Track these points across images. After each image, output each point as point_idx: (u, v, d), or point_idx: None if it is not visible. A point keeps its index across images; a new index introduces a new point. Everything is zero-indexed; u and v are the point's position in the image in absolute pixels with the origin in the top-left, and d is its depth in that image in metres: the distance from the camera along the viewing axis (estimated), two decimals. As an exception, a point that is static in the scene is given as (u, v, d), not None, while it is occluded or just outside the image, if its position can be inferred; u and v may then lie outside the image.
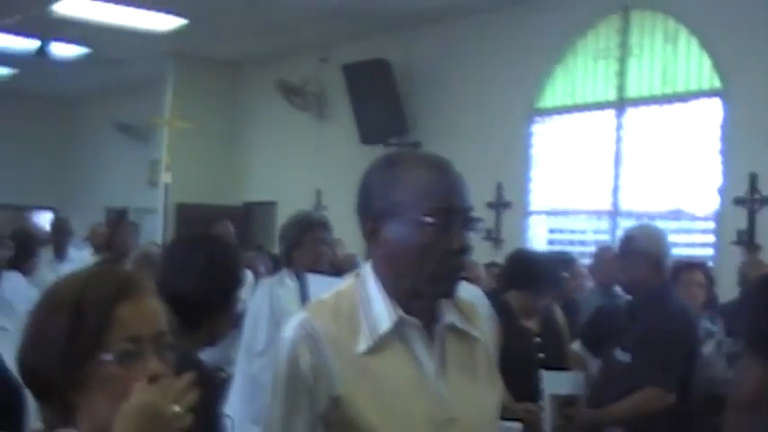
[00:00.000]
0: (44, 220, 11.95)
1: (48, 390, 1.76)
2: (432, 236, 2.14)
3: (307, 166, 12.80)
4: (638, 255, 4.46)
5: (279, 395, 2.16)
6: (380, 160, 2.29)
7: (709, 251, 8.54)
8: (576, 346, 5.72)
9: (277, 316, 4.68)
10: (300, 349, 2.12)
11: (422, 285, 2.17)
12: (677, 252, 8.08)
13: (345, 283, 2.29)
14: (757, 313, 3.53)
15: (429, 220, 2.14)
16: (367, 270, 2.25)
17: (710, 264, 7.70)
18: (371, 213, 2.20)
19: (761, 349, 3.48)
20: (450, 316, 2.24)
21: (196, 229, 6.07)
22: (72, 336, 1.72)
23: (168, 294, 2.76)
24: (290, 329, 2.17)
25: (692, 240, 8.86)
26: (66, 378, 1.73)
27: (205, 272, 2.78)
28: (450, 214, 2.17)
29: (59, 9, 11.26)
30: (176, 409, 1.73)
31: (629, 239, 4.65)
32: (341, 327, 2.16)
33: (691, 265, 6.27)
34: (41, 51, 12.44)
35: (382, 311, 2.17)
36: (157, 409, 1.70)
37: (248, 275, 6.50)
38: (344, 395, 2.10)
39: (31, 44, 12.49)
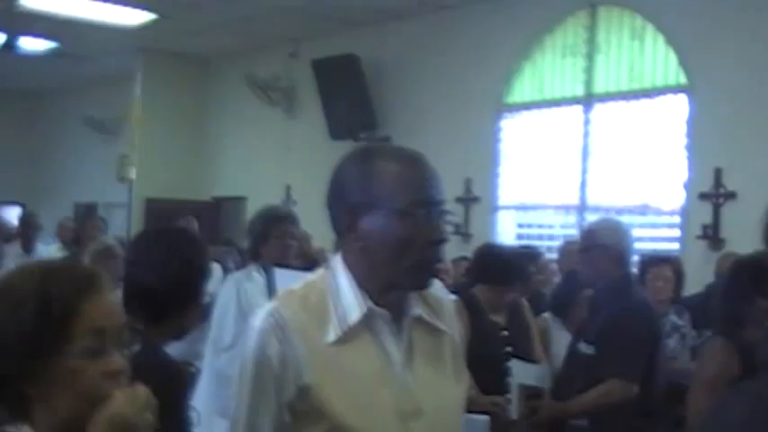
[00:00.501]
0: (12, 214, 11.88)
1: (2, 382, 1.73)
2: (412, 227, 2.17)
3: (276, 161, 12.80)
4: (600, 248, 4.49)
5: (246, 383, 2.17)
6: (354, 154, 2.30)
7: (675, 245, 8.62)
8: (546, 316, 5.80)
9: (245, 310, 4.69)
10: (268, 337, 2.14)
11: (400, 276, 2.19)
12: (644, 246, 8.22)
13: (315, 274, 2.30)
14: (727, 297, 3.61)
15: (409, 211, 2.17)
16: (337, 262, 2.25)
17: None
18: (348, 206, 2.21)
19: (727, 331, 3.55)
20: (417, 309, 2.26)
21: (162, 224, 6.05)
22: (36, 329, 1.70)
23: (134, 288, 2.79)
24: (258, 318, 2.18)
25: (658, 234, 8.94)
26: (26, 371, 1.71)
27: (169, 265, 2.77)
28: (429, 206, 2.20)
29: (26, 2, 11.20)
30: (149, 417, 1.75)
31: (590, 233, 4.69)
32: (310, 316, 2.17)
33: (660, 260, 6.32)
34: (8, 45, 12.36)
35: (352, 302, 2.19)
36: (131, 419, 1.72)
37: (216, 269, 6.51)
38: (312, 384, 2.11)
39: (-2, 38, 12.42)
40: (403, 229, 2.17)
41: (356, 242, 2.21)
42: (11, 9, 11.27)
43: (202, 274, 2.89)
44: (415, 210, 2.17)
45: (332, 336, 2.16)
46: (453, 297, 4.99)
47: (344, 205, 2.22)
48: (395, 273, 2.19)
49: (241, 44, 13.17)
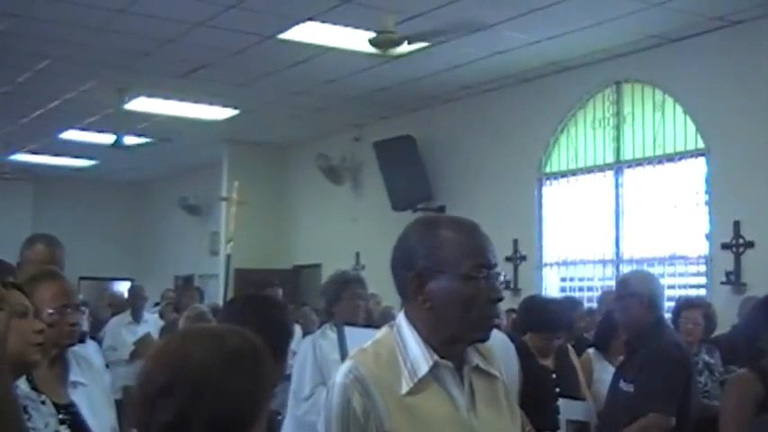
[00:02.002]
0: (123, 288, 12.04)
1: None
2: (474, 289, 2.18)
3: (346, 231, 12.84)
4: (633, 296, 4.44)
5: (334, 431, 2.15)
6: (418, 224, 2.30)
7: (702, 291, 8.48)
8: (590, 351, 5.72)
9: (320, 364, 4.69)
10: (351, 392, 2.12)
11: (465, 331, 2.20)
12: (674, 293, 8.09)
13: (381, 332, 2.29)
14: (748, 331, 3.53)
15: (472, 274, 2.18)
16: (401, 320, 2.25)
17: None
18: (416, 271, 2.20)
19: (749, 362, 3.47)
20: (474, 358, 2.26)
21: (250, 291, 6.09)
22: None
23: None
24: (340, 375, 2.17)
25: (686, 282, 8.79)
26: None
27: (257, 327, 2.77)
28: (487, 269, 2.21)
29: (131, 107, 11.46)
30: None
31: (624, 283, 4.64)
32: (383, 371, 2.16)
33: (691, 305, 6.20)
34: (117, 143, 12.63)
35: (419, 356, 2.18)
36: None
37: (297, 330, 6.53)
38: (392, 431, 2.11)
39: (108, 138, 12.69)
40: (467, 290, 2.18)
41: (424, 303, 2.20)
42: (118, 112, 11.53)
43: (286, 336, 2.88)
44: (477, 273, 2.19)
45: (405, 387, 2.15)
46: (511, 345, 4.97)
47: (412, 270, 2.21)
48: (460, 328, 2.20)
49: (312, 132, 13.31)
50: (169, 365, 1.71)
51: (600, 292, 8.63)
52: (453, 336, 2.21)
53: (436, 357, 2.19)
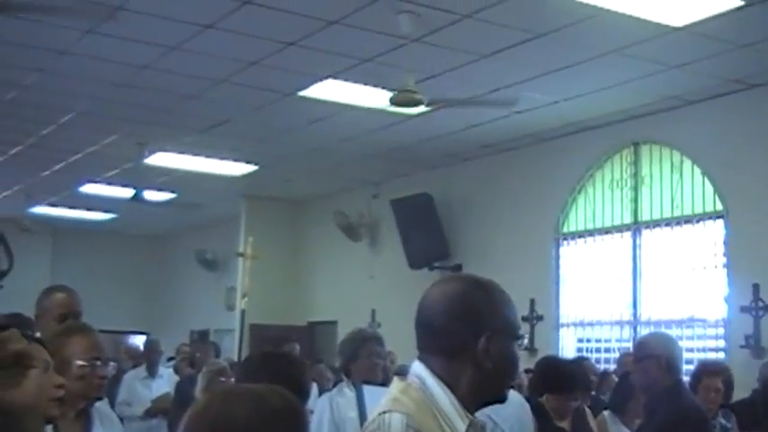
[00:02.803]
0: (139, 341, 12.05)
1: None
2: (517, 351, 2.24)
3: (362, 288, 12.82)
4: (652, 358, 4.40)
5: None
6: (472, 282, 2.28)
7: (721, 354, 8.40)
8: (605, 413, 5.66)
9: (338, 422, 4.67)
10: None
11: (504, 392, 2.24)
12: (692, 356, 8.02)
13: (401, 386, 2.22)
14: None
15: (518, 337, 2.24)
16: (427, 376, 2.20)
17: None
18: (486, 329, 2.20)
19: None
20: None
21: (267, 347, 6.07)
22: None
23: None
24: (395, 428, 2.09)
25: (704, 345, 8.72)
26: None
27: (271, 383, 2.76)
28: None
29: (150, 161, 11.57)
30: None
31: (642, 345, 4.60)
32: (431, 426, 2.13)
33: (712, 372, 6.10)
34: (136, 197, 12.70)
35: (455, 415, 2.16)
36: None
37: (313, 387, 6.50)
38: None
39: (127, 192, 12.77)
40: (516, 352, 2.23)
41: (484, 362, 2.19)
42: (137, 167, 11.64)
43: (304, 394, 2.86)
44: (519, 335, 2.25)
45: None
46: (524, 400, 4.94)
47: (479, 328, 2.20)
48: (504, 390, 2.24)
49: (329, 188, 13.38)
50: (213, 426, 1.71)
51: (617, 354, 8.57)
52: (497, 397, 2.24)
53: (470, 416, 2.19)
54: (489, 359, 2.21)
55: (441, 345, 2.21)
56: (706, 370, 5.98)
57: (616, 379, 7.10)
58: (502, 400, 2.27)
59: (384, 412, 2.12)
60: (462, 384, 2.21)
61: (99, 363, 3.16)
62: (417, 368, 2.24)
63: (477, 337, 2.21)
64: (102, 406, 3.40)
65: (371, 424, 2.13)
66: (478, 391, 2.21)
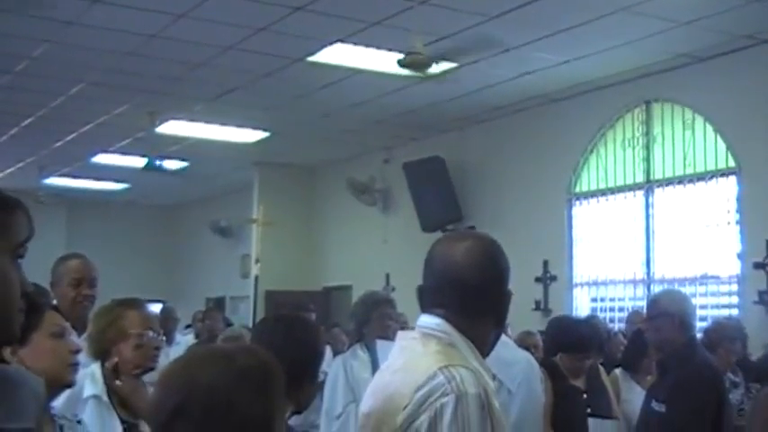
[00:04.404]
0: (155, 310, 12.11)
1: None
2: None
3: (376, 252, 12.85)
4: (665, 316, 4.41)
5: None
6: (496, 244, 2.34)
7: (734, 311, 8.40)
8: (617, 372, 5.68)
9: (352, 383, 4.71)
10: (485, 401, 2.09)
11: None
12: (705, 312, 8.03)
13: (440, 344, 2.20)
14: None
15: None
16: (453, 333, 2.21)
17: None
18: (500, 289, 2.27)
19: None
20: None
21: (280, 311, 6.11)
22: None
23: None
24: (470, 386, 2.08)
25: (718, 302, 8.72)
26: None
27: (285, 347, 2.75)
28: None
29: (161, 130, 11.58)
30: None
31: (655, 303, 4.61)
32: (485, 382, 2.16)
33: (733, 338, 6.02)
34: (148, 167, 12.74)
35: (482, 371, 2.19)
36: None
37: (328, 351, 6.54)
38: None
39: (140, 161, 12.81)
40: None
41: (497, 322, 2.28)
42: (149, 136, 11.66)
43: (316, 357, 2.88)
44: None
45: (497, 403, 2.17)
46: (532, 359, 4.96)
47: (501, 287, 2.27)
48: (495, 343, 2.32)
49: (341, 153, 13.37)
50: (178, 389, 1.71)
51: (628, 313, 8.57)
52: (491, 351, 2.31)
53: (492, 373, 2.26)
54: (501, 318, 2.24)
55: (471, 303, 2.22)
56: (727, 335, 5.95)
57: (623, 339, 7.11)
58: (489, 353, 2.32)
59: (446, 366, 2.10)
60: (484, 341, 2.24)
61: (153, 334, 3.33)
62: (441, 324, 2.22)
63: (502, 295, 2.24)
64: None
65: (432, 379, 2.08)
66: (487, 347, 2.24)
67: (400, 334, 2.35)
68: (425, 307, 2.29)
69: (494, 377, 2.30)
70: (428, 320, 2.26)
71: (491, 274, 2.26)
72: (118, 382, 3.25)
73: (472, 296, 2.22)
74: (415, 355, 2.19)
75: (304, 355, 2.79)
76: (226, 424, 1.69)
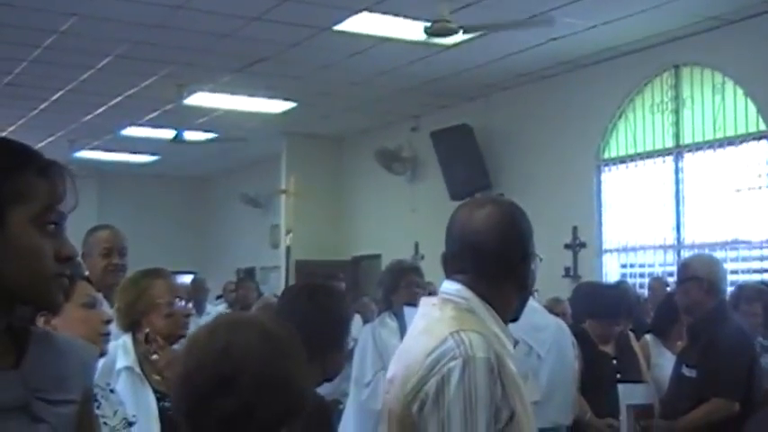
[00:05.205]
0: (186, 281, 12.23)
1: None
2: None
3: (405, 221, 12.85)
4: (694, 280, 4.39)
5: (480, 410, 2.04)
6: (516, 207, 2.35)
7: (766, 275, 8.32)
8: (647, 337, 5.66)
9: (381, 351, 4.73)
10: (494, 366, 2.08)
11: (523, 309, 2.33)
12: (737, 277, 7.97)
13: (457, 309, 2.22)
14: None
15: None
16: (472, 298, 2.22)
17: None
18: (521, 253, 2.27)
19: None
20: None
21: (305, 280, 6.16)
22: None
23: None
24: (480, 350, 2.08)
25: (749, 266, 8.65)
26: None
27: (307, 315, 2.74)
28: None
29: (189, 101, 11.61)
30: None
31: (685, 267, 4.60)
32: (499, 348, 2.16)
33: (750, 298, 6.03)
34: (177, 138, 12.79)
35: (503, 336, 2.21)
36: None
37: (357, 319, 6.56)
38: (517, 412, 2.11)
39: (169, 133, 12.86)
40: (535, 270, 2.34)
41: (521, 286, 2.28)
42: (177, 108, 11.69)
43: (342, 325, 2.87)
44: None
45: (513, 367, 2.17)
46: (564, 324, 4.96)
47: (525, 252, 2.26)
48: (524, 306, 2.33)
49: (369, 123, 13.36)
50: (227, 358, 1.70)
51: (650, 279, 8.53)
52: (519, 314, 2.33)
53: (513, 337, 2.26)
54: (524, 282, 2.24)
55: (489, 268, 2.23)
56: (744, 295, 5.94)
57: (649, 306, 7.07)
58: (518, 318, 2.33)
59: (457, 331, 2.11)
60: (505, 305, 2.24)
61: (182, 302, 3.38)
62: (461, 290, 2.25)
63: (524, 260, 2.24)
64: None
65: (443, 344, 2.09)
66: (511, 311, 2.25)
67: (423, 300, 2.36)
68: (448, 273, 2.30)
69: (516, 342, 2.29)
70: (449, 286, 2.27)
71: (510, 238, 2.26)
72: (155, 357, 3.27)
73: (491, 261, 2.23)
74: (432, 321, 2.21)
75: (326, 323, 2.76)
76: (275, 393, 1.70)
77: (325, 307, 2.80)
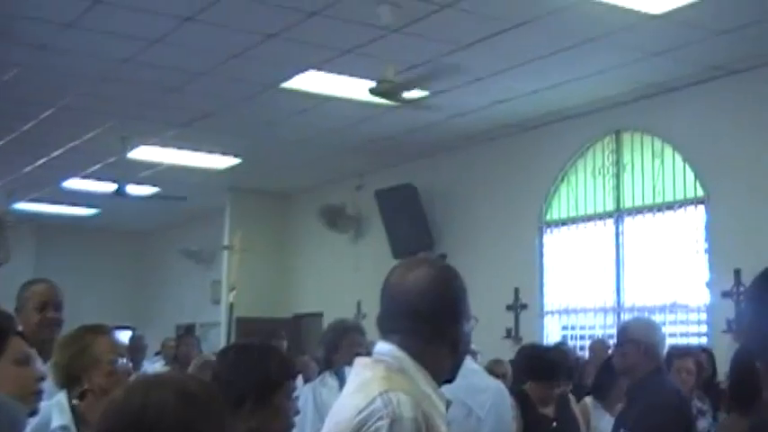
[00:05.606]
0: (124, 337, 12.03)
1: None
2: None
3: (347, 280, 12.82)
4: (633, 343, 4.43)
5: None
6: (450, 270, 2.35)
7: (704, 339, 8.46)
8: (587, 400, 5.69)
9: (321, 411, 4.69)
10: (422, 426, 2.09)
11: (457, 371, 2.33)
12: (675, 341, 8.07)
13: (388, 369, 2.22)
14: (736, 374, 3.54)
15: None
16: (404, 359, 2.23)
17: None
18: (454, 314, 2.27)
19: (741, 406, 3.47)
20: None
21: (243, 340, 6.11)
22: None
23: (221, 391, 2.80)
24: (407, 410, 2.10)
25: (687, 330, 8.78)
26: None
27: (232, 373, 2.78)
28: None
29: (133, 155, 11.54)
30: None
31: (623, 329, 4.63)
32: (424, 408, 2.16)
33: (682, 354, 6.18)
34: (119, 192, 12.67)
35: (434, 396, 2.21)
36: None
37: (298, 379, 6.49)
38: None
39: (111, 187, 12.74)
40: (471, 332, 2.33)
41: (454, 347, 2.27)
42: (120, 161, 11.61)
43: (263, 381, 2.87)
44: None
45: (444, 428, 2.18)
46: (503, 386, 4.96)
47: (454, 315, 2.27)
48: (459, 368, 2.34)
49: (313, 180, 13.38)
50: (143, 419, 1.69)
51: (590, 341, 8.62)
52: (453, 376, 2.32)
53: (446, 398, 2.26)
54: (457, 343, 2.25)
55: (421, 328, 2.25)
56: (676, 352, 6.04)
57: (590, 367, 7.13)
58: (453, 379, 2.33)
59: (386, 391, 2.12)
60: (438, 366, 2.25)
61: (124, 361, 3.31)
62: (393, 350, 2.25)
63: (457, 321, 2.25)
64: None
65: (371, 403, 2.11)
66: (446, 371, 2.26)
67: (356, 360, 2.36)
68: (382, 333, 2.31)
69: (449, 403, 2.30)
70: (382, 347, 2.28)
71: (442, 299, 2.28)
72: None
73: (423, 322, 2.24)
74: (364, 381, 2.23)
75: (247, 380, 2.80)
76: None
77: (247, 365, 2.82)
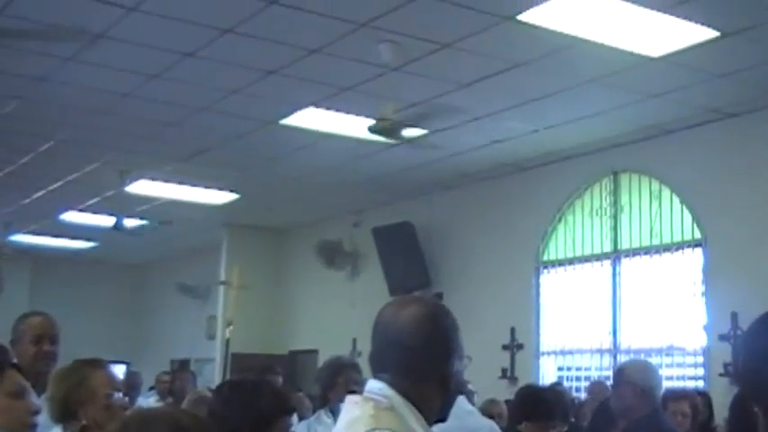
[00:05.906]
0: (119, 372, 11.98)
1: None
2: None
3: (343, 317, 12.78)
4: (629, 385, 4.42)
5: None
6: (443, 309, 2.36)
7: (701, 383, 8.43)
8: None
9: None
10: None
11: (449, 410, 2.31)
12: (672, 384, 8.04)
13: (377, 408, 2.21)
14: (735, 418, 3.53)
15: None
16: (394, 398, 2.22)
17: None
18: (445, 354, 2.26)
19: None
20: None
21: (239, 376, 6.10)
22: None
23: (217, 426, 2.81)
24: None
25: (684, 373, 8.75)
26: None
27: (225, 409, 2.79)
28: None
29: (131, 190, 11.56)
30: None
31: (621, 371, 4.63)
32: None
33: (678, 396, 6.14)
34: (116, 226, 12.69)
35: (421, 431, 2.21)
36: None
37: (294, 416, 6.46)
38: None
39: (108, 220, 12.76)
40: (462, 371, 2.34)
41: (443, 386, 2.25)
42: (119, 195, 11.63)
43: (256, 417, 2.87)
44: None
45: None
46: (496, 426, 4.94)
47: (448, 354, 2.26)
48: (450, 408, 2.31)
49: (311, 217, 13.40)
50: None
51: (589, 383, 8.58)
52: (445, 415, 2.30)
53: None
54: (448, 382, 2.25)
55: (412, 367, 2.24)
56: (671, 395, 6.01)
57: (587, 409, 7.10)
58: (445, 418, 2.33)
59: (373, 429, 2.12)
60: (429, 404, 2.25)
61: (120, 395, 3.31)
62: (383, 388, 2.25)
63: (448, 359, 2.25)
64: None
65: None
66: (437, 410, 2.25)
67: (347, 398, 2.35)
68: (373, 371, 2.31)
69: None
70: (373, 385, 2.28)
71: (433, 337, 2.27)
72: None
73: (414, 360, 2.24)
74: (353, 419, 2.23)
75: (242, 415, 2.83)
76: None
77: (241, 400, 2.82)
